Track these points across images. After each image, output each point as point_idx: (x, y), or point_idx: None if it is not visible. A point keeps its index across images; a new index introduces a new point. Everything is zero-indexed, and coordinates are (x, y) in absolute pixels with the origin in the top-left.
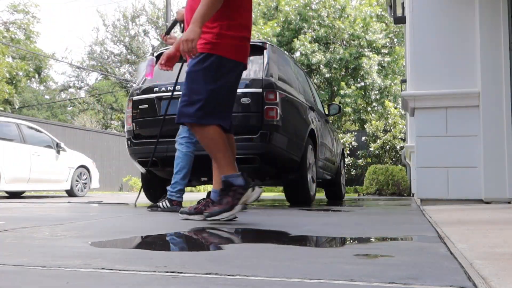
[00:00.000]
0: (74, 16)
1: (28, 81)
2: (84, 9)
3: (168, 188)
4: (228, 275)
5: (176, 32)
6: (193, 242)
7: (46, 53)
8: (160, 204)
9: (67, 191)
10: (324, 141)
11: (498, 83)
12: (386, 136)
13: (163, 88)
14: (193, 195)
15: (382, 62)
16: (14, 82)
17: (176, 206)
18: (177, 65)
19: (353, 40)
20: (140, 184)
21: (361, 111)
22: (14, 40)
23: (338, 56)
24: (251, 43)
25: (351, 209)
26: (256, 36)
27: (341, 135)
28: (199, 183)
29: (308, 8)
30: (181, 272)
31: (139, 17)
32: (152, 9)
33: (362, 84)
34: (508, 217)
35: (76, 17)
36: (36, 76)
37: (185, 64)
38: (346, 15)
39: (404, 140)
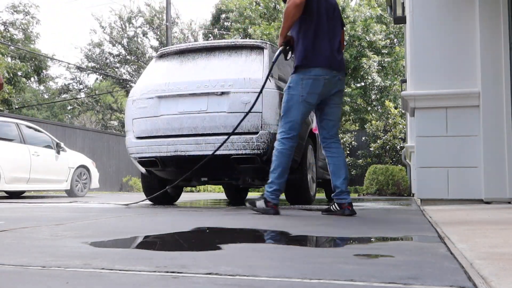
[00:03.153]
0: (71, 18)
1: (28, 81)
2: (82, 10)
3: (265, 187)
4: (228, 275)
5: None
6: (193, 242)
7: (45, 54)
8: (257, 203)
9: (67, 191)
10: None
11: (498, 83)
12: (386, 136)
13: (163, 88)
14: (193, 195)
15: (382, 62)
16: (13, 82)
17: (270, 208)
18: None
19: (354, 41)
20: (140, 184)
21: (361, 111)
22: (14, 40)
23: None
24: (251, 43)
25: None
26: (259, 37)
27: (341, 135)
28: (199, 183)
29: None
30: (181, 272)
31: (135, 18)
32: (149, 11)
33: (362, 84)
34: (509, 217)
35: (73, 19)
36: (35, 76)
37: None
38: (346, 16)
39: (404, 140)
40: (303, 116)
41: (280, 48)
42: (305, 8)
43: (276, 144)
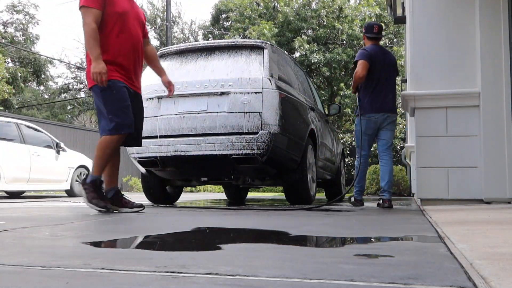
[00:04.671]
0: (71, 17)
1: (27, 84)
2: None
3: None
4: (228, 275)
5: None
6: (193, 242)
7: (46, 56)
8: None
9: (67, 191)
10: (324, 141)
11: (498, 83)
12: None
13: (163, 88)
14: (193, 195)
15: None
16: (13, 84)
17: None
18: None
19: (352, 41)
20: (140, 184)
21: None
22: (14, 42)
23: (337, 57)
24: (251, 43)
25: (351, 209)
26: (256, 37)
27: (341, 135)
28: (199, 183)
29: (307, 8)
30: (181, 272)
31: None
32: (151, 10)
33: None
34: (508, 217)
35: (73, 18)
36: (35, 78)
37: None
38: (344, 16)
39: (404, 140)
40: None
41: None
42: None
43: None
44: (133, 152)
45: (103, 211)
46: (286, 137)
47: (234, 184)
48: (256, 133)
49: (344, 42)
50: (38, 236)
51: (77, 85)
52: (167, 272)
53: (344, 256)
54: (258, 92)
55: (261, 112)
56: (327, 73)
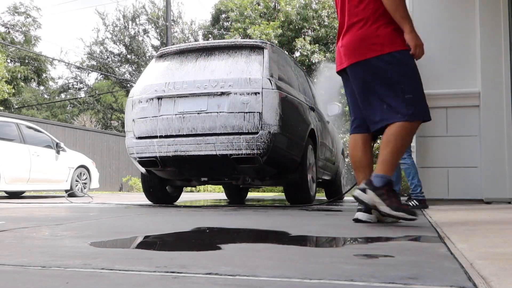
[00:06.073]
0: (72, 16)
1: (27, 84)
2: (82, 9)
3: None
4: (228, 275)
5: None
6: (193, 242)
7: (46, 56)
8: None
9: (67, 191)
10: (324, 141)
11: (498, 83)
12: None
13: (163, 88)
14: (193, 195)
15: None
16: (13, 84)
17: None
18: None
19: None
20: (140, 184)
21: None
22: (15, 42)
23: None
24: (251, 43)
25: (351, 209)
26: (258, 36)
27: (341, 135)
28: (199, 183)
29: (308, 8)
30: (181, 272)
31: (139, 17)
32: (152, 9)
33: None
34: (508, 217)
35: (74, 17)
36: (36, 78)
37: None
38: None
39: None
40: None
41: None
42: None
43: None
44: (133, 152)
45: (414, 219)
46: (286, 137)
47: (234, 184)
48: (256, 133)
49: None
50: (38, 236)
51: (77, 85)
52: (167, 272)
53: (344, 256)
54: (258, 92)
55: (261, 112)
56: (328, 74)
